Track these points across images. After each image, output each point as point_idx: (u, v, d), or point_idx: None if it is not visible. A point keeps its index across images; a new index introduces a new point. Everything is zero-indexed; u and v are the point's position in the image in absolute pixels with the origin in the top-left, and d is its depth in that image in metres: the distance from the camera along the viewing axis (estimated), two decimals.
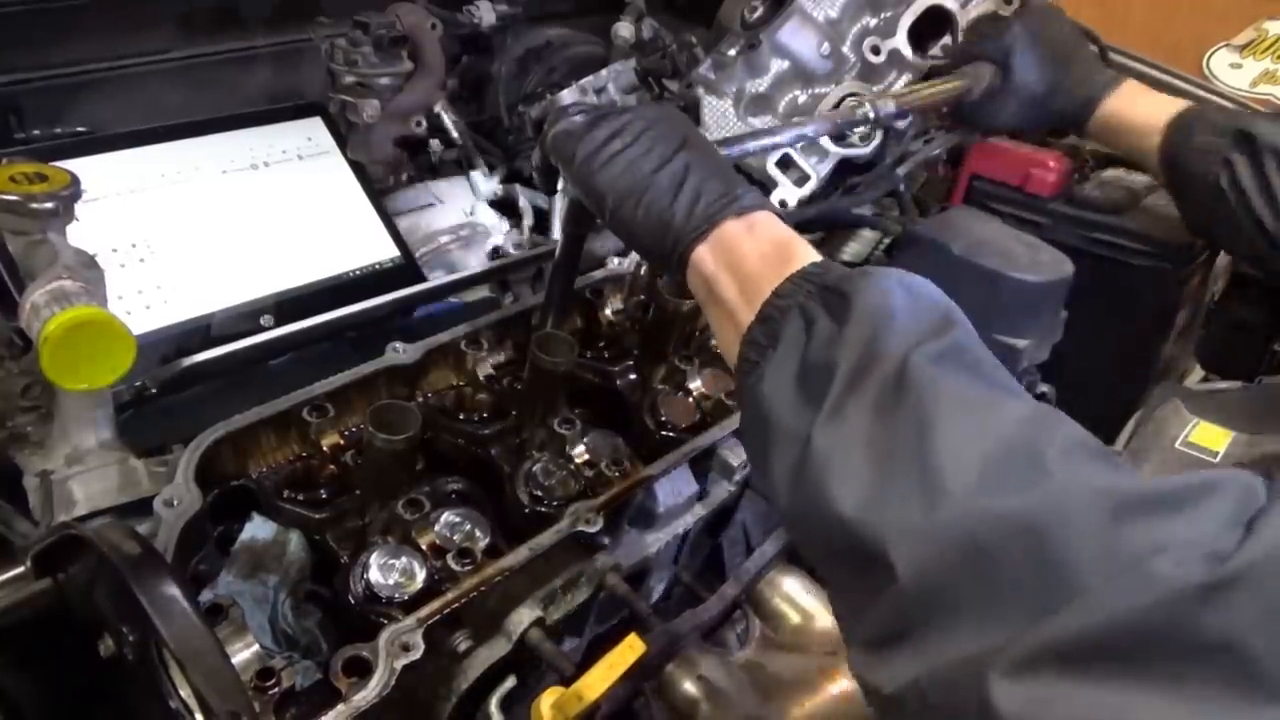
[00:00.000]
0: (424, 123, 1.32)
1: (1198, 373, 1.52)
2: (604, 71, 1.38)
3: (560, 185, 0.84)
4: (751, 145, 0.96)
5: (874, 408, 0.54)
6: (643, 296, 1.08)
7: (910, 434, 0.51)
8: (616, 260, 1.10)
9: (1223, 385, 1.35)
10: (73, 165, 0.77)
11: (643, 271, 1.08)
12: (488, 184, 1.33)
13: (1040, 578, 0.43)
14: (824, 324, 0.59)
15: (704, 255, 0.69)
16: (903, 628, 0.49)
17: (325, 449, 0.83)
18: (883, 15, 1.37)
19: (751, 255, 0.67)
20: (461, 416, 0.90)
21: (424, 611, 0.68)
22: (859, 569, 0.52)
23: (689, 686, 0.78)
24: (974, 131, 1.37)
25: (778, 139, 1.00)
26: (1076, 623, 0.41)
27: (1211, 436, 1.05)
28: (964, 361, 0.56)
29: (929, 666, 0.47)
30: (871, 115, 1.07)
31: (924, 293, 0.61)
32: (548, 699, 0.69)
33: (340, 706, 0.62)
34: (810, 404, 0.57)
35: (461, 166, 1.39)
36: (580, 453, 0.86)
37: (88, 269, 0.73)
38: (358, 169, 1.20)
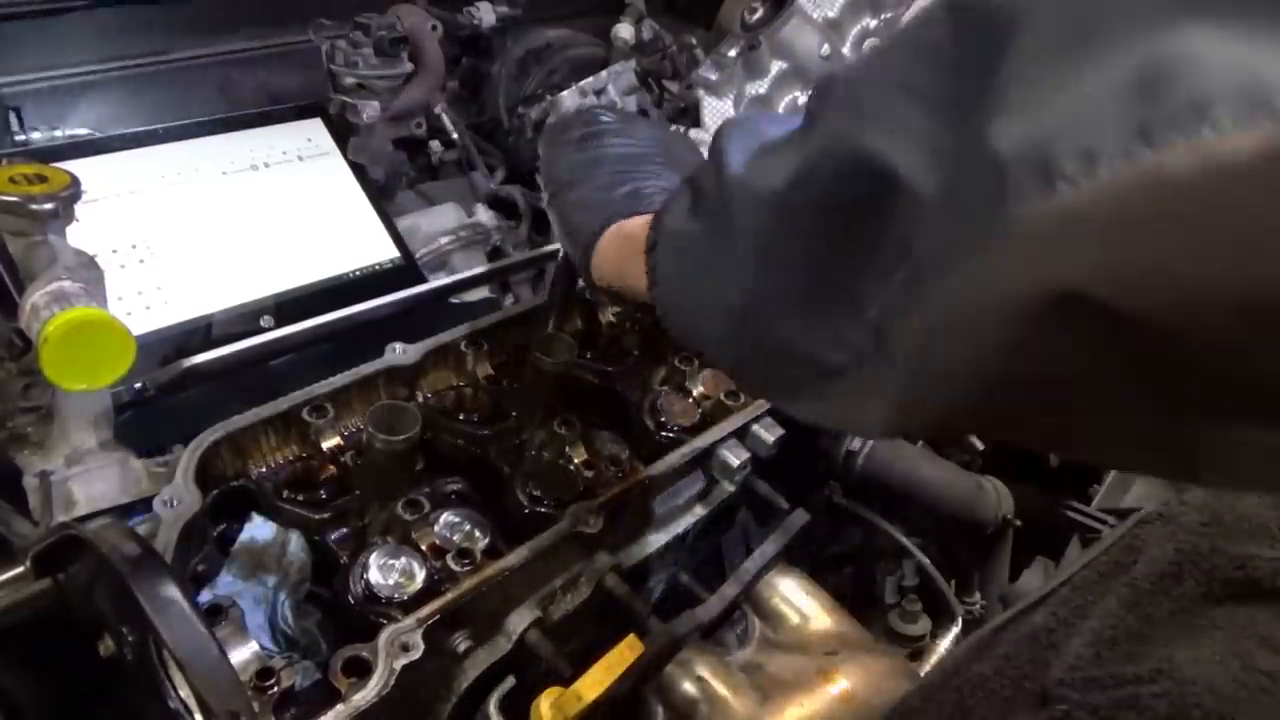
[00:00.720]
0: (424, 124, 1.32)
1: None
2: (604, 73, 1.38)
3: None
4: None
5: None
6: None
7: None
8: None
9: None
10: (73, 166, 0.77)
11: None
12: (487, 185, 1.33)
13: None
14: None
15: (603, 248, 0.70)
16: None
17: (325, 449, 0.83)
18: (882, 16, 1.37)
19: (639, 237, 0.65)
20: (461, 417, 0.90)
21: (424, 612, 0.68)
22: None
23: (688, 687, 0.78)
24: None
25: None
26: None
27: None
28: None
29: None
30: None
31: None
32: (547, 699, 0.69)
33: (340, 707, 0.62)
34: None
35: (461, 168, 1.39)
36: (580, 453, 0.86)
37: (88, 270, 0.73)
38: (358, 170, 1.20)
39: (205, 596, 0.70)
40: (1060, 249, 0.31)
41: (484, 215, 1.27)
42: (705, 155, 0.58)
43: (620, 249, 0.68)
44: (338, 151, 1.21)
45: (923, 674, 0.93)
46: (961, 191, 0.35)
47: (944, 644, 1.09)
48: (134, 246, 1.01)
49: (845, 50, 1.35)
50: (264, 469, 0.83)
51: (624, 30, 1.44)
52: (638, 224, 0.67)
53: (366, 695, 0.63)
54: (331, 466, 0.83)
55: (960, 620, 1.10)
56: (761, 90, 1.34)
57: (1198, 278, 0.29)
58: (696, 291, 0.55)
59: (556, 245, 1.12)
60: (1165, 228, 0.29)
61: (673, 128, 1.30)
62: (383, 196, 1.25)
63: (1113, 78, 0.30)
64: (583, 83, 1.36)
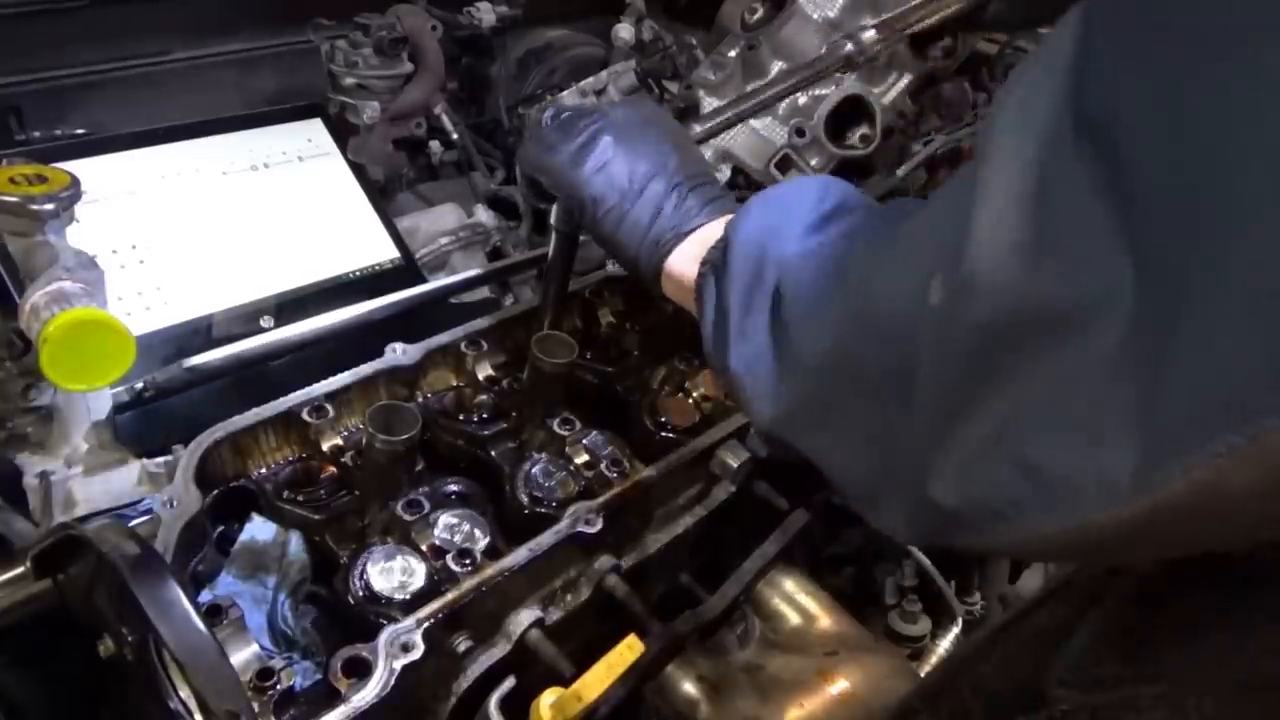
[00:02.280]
0: (424, 124, 1.32)
1: None
2: (604, 73, 1.38)
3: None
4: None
5: (769, 318, 0.60)
6: (643, 298, 1.09)
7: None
8: (616, 261, 1.10)
9: None
10: (73, 166, 0.77)
11: None
12: (487, 185, 1.33)
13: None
14: (719, 270, 0.66)
15: (673, 267, 0.73)
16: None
17: (325, 449, 0.83)
18: (882, 16, 1.37)
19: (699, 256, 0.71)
20: (461, 417, 0.90)
21: (423, 612, 0.68)
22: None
23: (689, 687, 0.78)
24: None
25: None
26: None
27: None
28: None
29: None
30: (853, 49, 1.04)
31: (780, 197, 0.66)
32: (547, 699, 0.69)
33: (340, 707, 0.62)
34: (723, 341, 0.63)
35: (461, 168, 1.39)
36: (580, 453, 0.86)
37: (88, 270, 0.73)
38: (358, 170, 1.20)
39: (205, 596, 0.70)
40: None
41: (484, 215, 1.27)
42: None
43: (679, 284, 0.73)
44: (338, 152, 1.21)
45: (923, 674, 0.93)
46: None
47: (944, 644, 1.09)
48: (134, 246, 1.01)
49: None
50: (264, 469, 0.83)
51: (624, 30, 1.44)
52: (685, 261, 0.72)
53: (366, 695, 0.62)
54: (331, 466, 0.83)
55: (960, 620, 1.10)
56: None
57: None
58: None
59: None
60: None
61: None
62: (383, 196, 1.25)
63: None
64: (583, 83, 1.36)
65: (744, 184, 1.32)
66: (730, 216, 0.70)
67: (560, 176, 0.78)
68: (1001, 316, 0.39)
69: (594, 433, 0.88)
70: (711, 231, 0.72)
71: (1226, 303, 0.31)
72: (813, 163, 1.29)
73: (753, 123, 1.34)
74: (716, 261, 0.66)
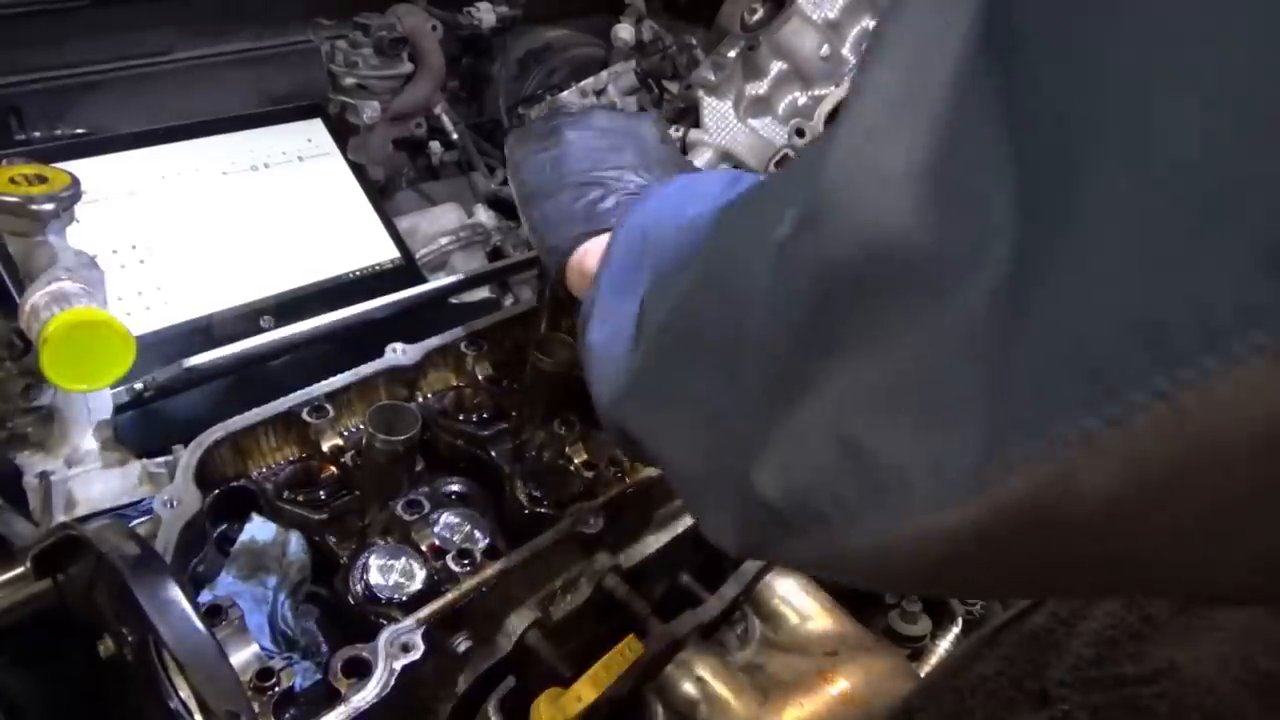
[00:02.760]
0: (424, 124, 1.32)
1: None
2: (604, 73, 1.38)
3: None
4: None
5: (638, 300, 0.55)
6: None
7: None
8: None
9: None
10: (73, 166, 0.77)
11: None
12: (487, 185, 1.33)
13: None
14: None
15: (579, 258, 0.71)
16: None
17: (325, 449, 0.83)
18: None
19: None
20: (461, 417, 0.90)
21: (424, 612, 0.68)
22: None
23: (688, 687, 0.78)
24: None
25: None
26: None
27: None
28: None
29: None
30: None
31: (683, 183, 0.62)
32: (547, 699, 0.69)
33: (340, 707, 0.62)
34: (584, 322, 0.60)
35: (461, 168, 1.39)
36: (580, 453, 0.86)
37: (88, 270, 0.73)
38: (358, 170, 1.20)
39: (205, 596, 0.70)
40: None
41: (484, 215, 1.27)
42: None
43: (581, 278, 0.70)
44: (338, 151, 1.21)
45: (923, 674, 0.93)
46: None
47: (944, 644, 1.09)
48: (134, 246, 1.01)
49: (845, 51, 1.35)
50: (264, 469, 0.83)
51: (624, 30, 1.44)
52: (591, 256, 0.68)
53: (366, 695, 0.62)
54: (331, 466, 0.83)
55: (960, 620, 1.10)
56: (761, 91, 1.34)
57: None
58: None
59: None
60: None
61: (673, 130, 1.30)
62: (383, 196, 1.25)
63: None
64: (583, 83, 1.36)
65: None
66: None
67: (511, 167, 0.78)
68: (850, 254, 0.31)
69: (595, 432, 0.88)
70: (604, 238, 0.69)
71: (1095, 239, 0.23)
72: None
73: (752, 122, 1.34)
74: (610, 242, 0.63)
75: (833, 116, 1.29)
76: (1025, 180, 0.26)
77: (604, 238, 0.67)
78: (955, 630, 1.09)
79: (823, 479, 0.33)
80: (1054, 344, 0.24)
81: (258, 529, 0.76)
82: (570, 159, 0.74)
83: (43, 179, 0.74)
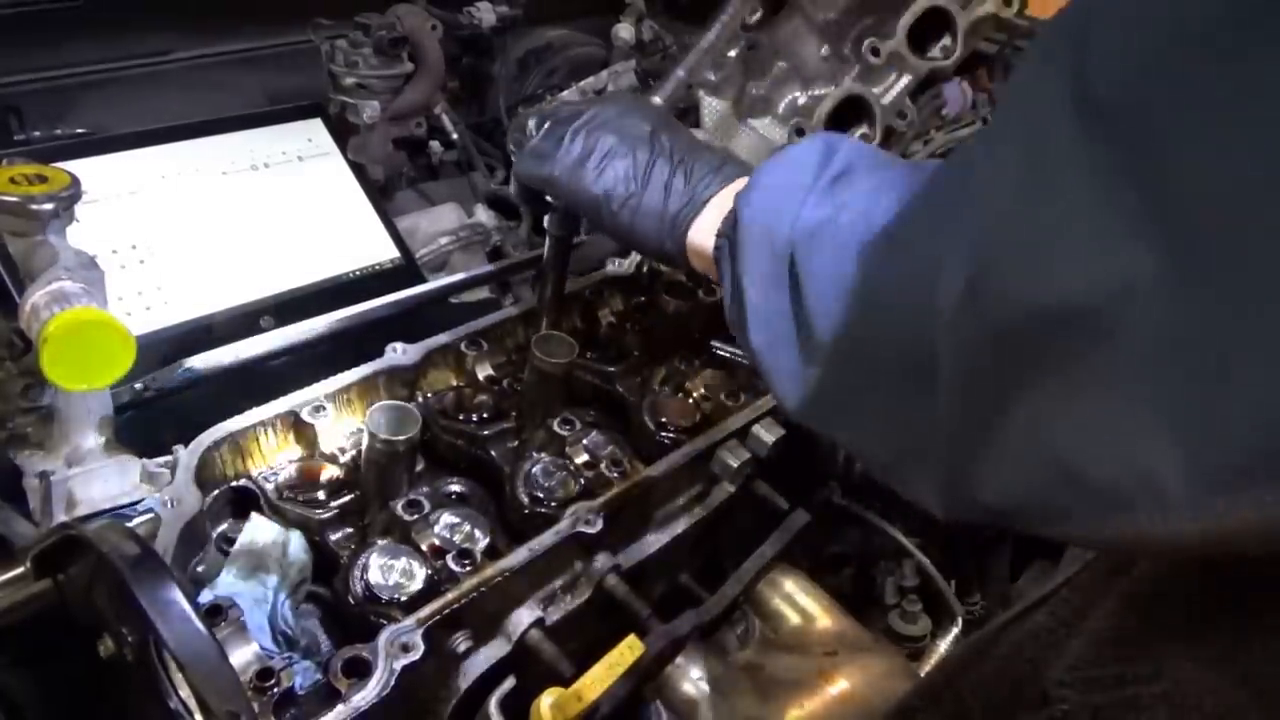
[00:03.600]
0: (424, 124, 1.32)
1: None
2: (604, 73, 1.38)
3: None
4: None
5: (787, 297, 0.60)
6: (643, 298, 1.09)
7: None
8: (616, 261, 1.10)
9: None
10: (73, 166, 0.77)
11: (644, 271, 1.08)
12: (487, 185, 1.33)
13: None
14: (732, 245, 0.66)
15: (695, 240, 0.73)
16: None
17: (325, 449, 0.83)
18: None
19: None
20: (461, 417, 0.90)
21: (424, 612, 0.68)
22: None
23: (688, 687, 0.78)
24: None
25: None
26: None
27: None
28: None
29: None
30: None
31: (783, 164, 0.65)
32: (547, 699, 0.69)
33: (340, 707, 0.62)
34: (741, 319, 0.64)
35: (461, 168, 1.39)
36: (580, 453, 0.86)
37: (88, 270, 0.73)
38: (358, 170, 1.20)
39: (205, 596, 0.70)
40: None
41: (484, 215, 1.27)
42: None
43: (700, 258, 0.74)
44: (338, 151, 1.21)
45: (923, 674, 0.93)
46: None
47: (944, 644, 1.09)
48: (134, 246, 1.01)
49: (845, 51, 1.35)
50: (264, 469, 0.83)
51: (624, 30, 1.44)
52: (702, 234, 0.73)
53: (366, 695, 0.62)
54: (331, 466, 0.83)
55: (960, 620, 1.10)
56: (761, 90, 1.34)
57: None
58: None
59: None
60: None
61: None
62: (383, 196, 1.25)
63: None
64: (583, 83, 1.36)
65: None
66: (740, 183, 0.71)
67: (564, 185, 0.79)
68: (1017, 321, 0.37)
69: (594, 432, 0.88)
70: (725, 198, 0.72)
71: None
72: None
73: (752, 122, 1.34)
74: (729, 235, 0.67)
75: (833, 116, 1.29)
76: (1171, 236, 0.31)
77: (710, 210, 0.72)
78: (955, 630, 1.09)
79: (1041, 496, 0.39)
80: (1248, 409, 0.29)
81: (258, 529, 0.76)
82: (621, 156, 0.77)
83: (43, 179, 0.74)
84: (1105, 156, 0.33)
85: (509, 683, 0.73)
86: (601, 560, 0.79)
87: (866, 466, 0.58)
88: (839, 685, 0.79)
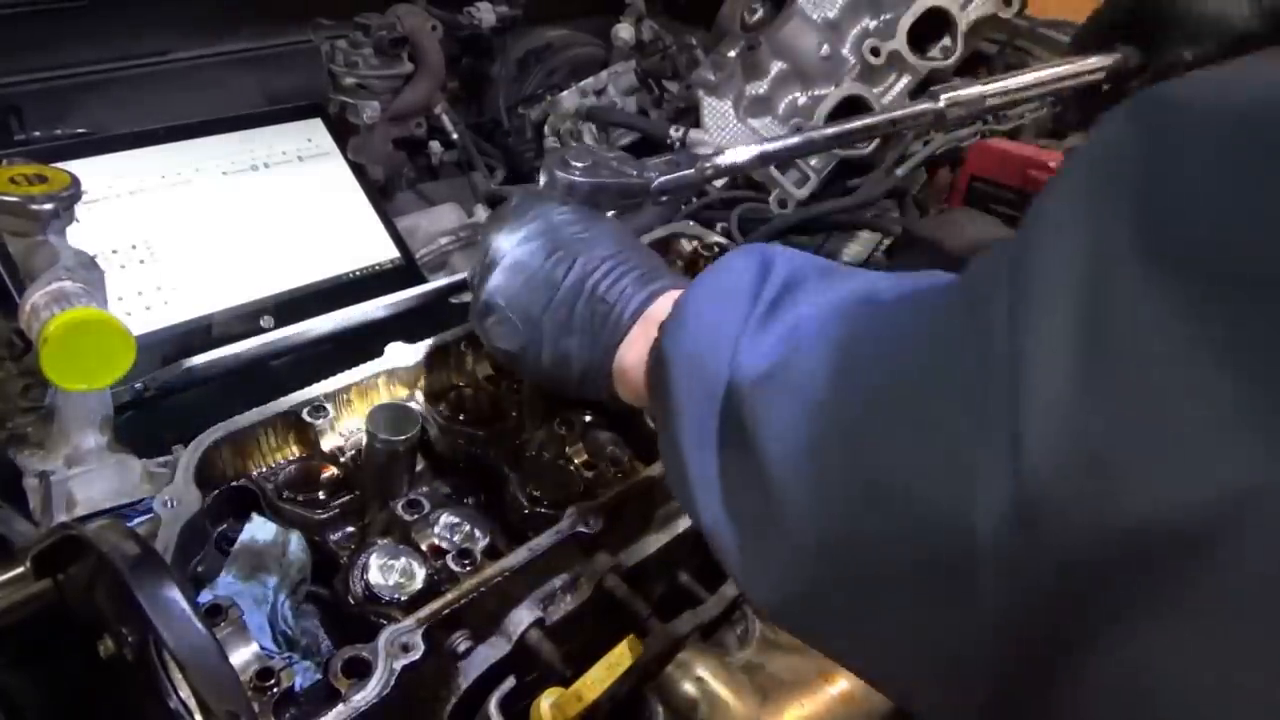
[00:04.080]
0: (424, 124, 1.32)
1: None
2: (604, 73, 1.38)
3: (541, 178, 0.83)
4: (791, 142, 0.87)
5: (736, 456, 0.49)
6: None
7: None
8: None
9: None
10: (73, 166, 0.77)
11: None
12: (487, 185, 1.33)
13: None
14: (658, 384, 0.57)
15: (620, 375, 0.67)
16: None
17: (325, 449, 0.83)
18: (882, 17, 1.37)
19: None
20: (461, 417, 0.90)
21: (424, 612, 0.68)
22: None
23: (688, 687, 0.78)
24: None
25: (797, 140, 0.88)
26: None
27: None
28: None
29: None
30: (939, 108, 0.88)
31: (711, 289, 0.56)
32: (547, 699, 0.69)
33: (339, 707, 0.62)
34: (684, 487, 0.54)
35: (461, 168, 1.39)
36: (580, 453, 0.86)
37: (88, 270, 0.73)
38: (358, 170, 1.20)
39: (205, 596, 0.70)
40: None
41: (484, 215, 1.27)
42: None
43: (629, 390, 0.67)
44: (338, 151, 1.21)
45: None
46: None
47: None
48: (134, 246, 1.01)
49: (845, 51, 1.35)
50: (264, 469, 0.83)
51: (624, 30, 1.44)
52: (629, 361, 0.65)
53: (366, 695, 0.62)
54: (331, 466, 0.83)
55: None
56: (761, 91, 1.34)
57: None
58: None
59: None
60: None
61: (673, 129, 1.30)
62: (383, 196, 1.25)
63: None
64: (583, 83, 1.36)
65: (743, 184, 1.32)
66: (666, 301, 0.61)
67: (489, 340, 0.75)
68: (1089, 549, 0.29)
69: (594, 432, 0.88)
70: (650, 323, 0.63)
71: None
72: (813, 162, 1.29)
73: (752, 122, 1.34)
74: (655, 375, 0.57)
75: (833, 116, 1.29)
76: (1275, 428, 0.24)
77: (633, 348, 0.64)
78: None
79: None
80: None
81: (258, 529, 0.76)
82: (536, 300, 0.69)
83: (43, 179, 0.74)
84: (1196, 323, 0.26)
85: (509, 683, 0.73)
86: (601, 560, 0.79)
87: (881, 691, 0.45)
88: (839, 685, 0.79)
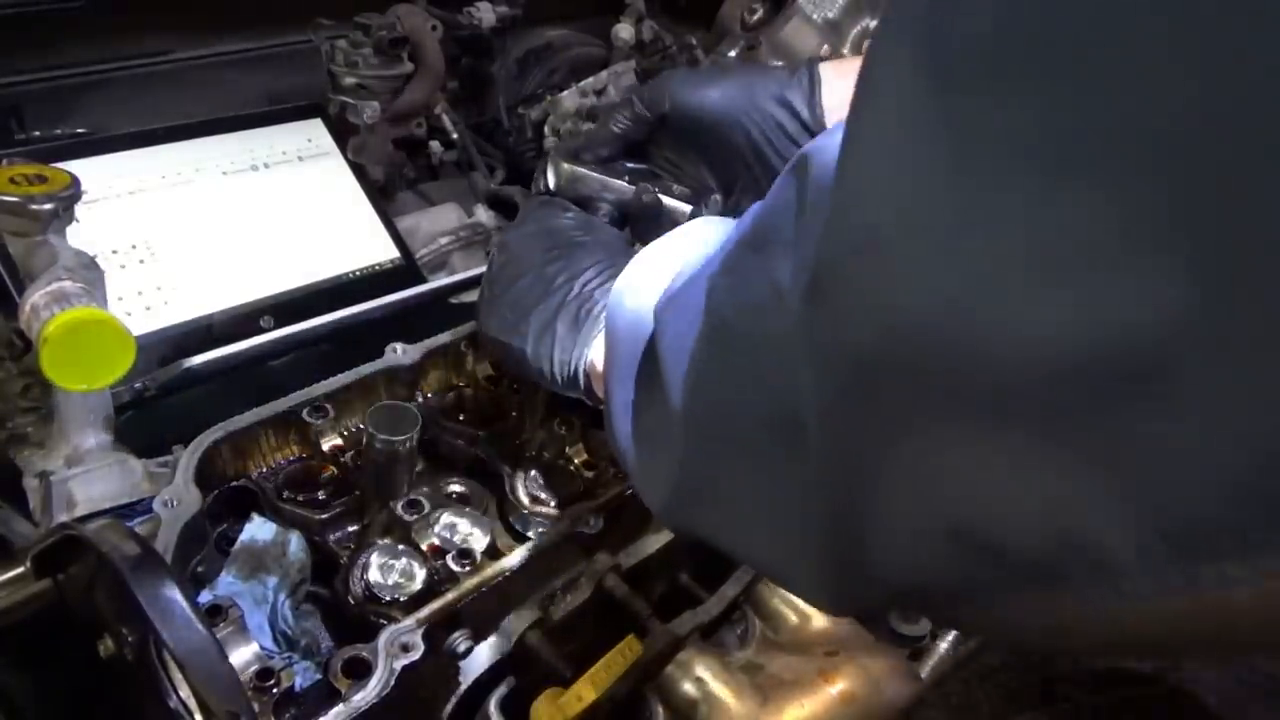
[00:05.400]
0: (424, 124, 1.32)
1: None
2: (604, 73, 1.38)
3: (539, 176, 0.86)
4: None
5: (649, 385, 0.51)
6: None
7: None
8: None
9: None
10: (73, 166, 0.77)
11: None
12: (487, 185, 1.33)
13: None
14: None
15: (593, 370, 0.67)
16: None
17: (325, 449, 0.83)
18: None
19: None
20: (461, 417, 0.90)
21: (424, 612, 0.68)
22: None
23: (688, 687, 0.78)
24: None
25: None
26: None
27: None
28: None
29: None
30: None
31: (663, 246, 0.58)
32: (547, 699, 0.69)
33: (339, 707, 0.62)
34: (610, 421, 0.57)
35: (461, 168, 1.39)
36: (580, 453, 0.86)
37: (88, 270, 0.73)
38: (358, 170, 1.20)
39: (205, 596, 0.70)
40: None
41: (484, 215, 1.27)
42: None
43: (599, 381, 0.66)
44: (338, 151, 1.21)
45: (923, 674, 0.93)
46: None
47: (944, 644, 1.09)
48: (134, 247, 1.01)
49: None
50: (264, 469, 0.83)
51: (624, 30, 1.44)
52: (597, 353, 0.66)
53: (366, 695, 0.62)
54: (331, 466, 0.83)
55: None
56: None
57: None
58: None
59: None
60: None
61: None
62: (383, 196, 1.25)
63: None
64: (583, 83, 1.36)
65: None
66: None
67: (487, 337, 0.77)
68: (879, 336, 0.28)
69: (594, 432, 0.88)
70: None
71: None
72: None
73: None
74: (607, 338, 0.59)
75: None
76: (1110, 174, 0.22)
77: (600, 339, 0.65)
78: (956, 630, 1.09)
79: (942, 567, 0.32)
80: (1197, 469, 0.23)
81: (258, 529, 0.76)
82: (527, 298, 0.71)
83: (43, 179, 0.74)
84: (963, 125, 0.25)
85: (509, 683, 0.73)
86: (601, 560, 0.79)
87: (748, 566, 0.48)
88: (839, 685, 0.79)
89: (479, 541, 0.77)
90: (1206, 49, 0.19)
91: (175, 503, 0.72)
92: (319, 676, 0.68)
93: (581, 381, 0.69)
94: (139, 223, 1.03)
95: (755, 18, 1.44)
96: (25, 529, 0.74)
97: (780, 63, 1.34)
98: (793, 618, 0.89)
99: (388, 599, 0.71)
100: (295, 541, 0.77)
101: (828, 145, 0.33)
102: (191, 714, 0.56)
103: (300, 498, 0.80)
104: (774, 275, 0.35)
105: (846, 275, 0.30)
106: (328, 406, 0.83)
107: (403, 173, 1.34)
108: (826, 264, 0.31)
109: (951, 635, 1.10)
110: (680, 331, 0.45)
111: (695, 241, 0.55)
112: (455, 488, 0.87)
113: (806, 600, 0.45)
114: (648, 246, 0.60)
